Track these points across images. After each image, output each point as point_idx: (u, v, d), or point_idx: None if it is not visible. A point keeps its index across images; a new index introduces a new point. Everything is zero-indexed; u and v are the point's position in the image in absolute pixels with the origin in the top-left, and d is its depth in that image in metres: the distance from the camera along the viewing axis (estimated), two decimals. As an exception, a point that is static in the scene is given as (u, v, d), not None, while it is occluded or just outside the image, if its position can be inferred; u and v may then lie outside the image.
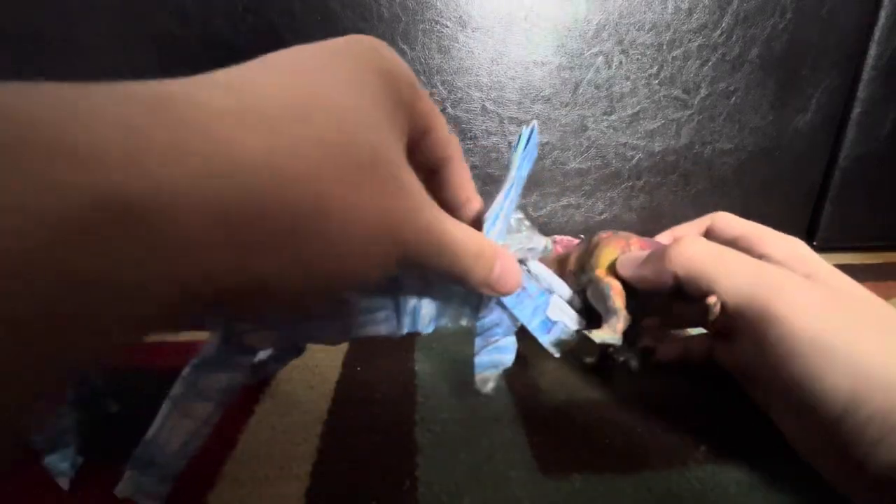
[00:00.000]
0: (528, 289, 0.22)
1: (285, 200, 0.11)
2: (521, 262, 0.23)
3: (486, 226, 0.19)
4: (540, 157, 0.46)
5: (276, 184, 0.10)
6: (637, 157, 0.48)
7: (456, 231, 0.16)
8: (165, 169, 0.09)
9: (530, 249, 0.23)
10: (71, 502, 0.18)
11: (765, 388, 0.20)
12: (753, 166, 0.49)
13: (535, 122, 0.22)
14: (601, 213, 0.49)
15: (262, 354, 0.23)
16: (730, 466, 0.19)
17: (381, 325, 0.19)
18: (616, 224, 0.50)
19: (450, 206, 0.19)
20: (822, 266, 0.21)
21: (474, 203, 0.19)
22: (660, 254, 0.21)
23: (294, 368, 0.26)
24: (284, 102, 0.11)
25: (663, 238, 0.27)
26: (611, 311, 0.22)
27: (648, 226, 0.50)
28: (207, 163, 0.09)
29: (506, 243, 0.21)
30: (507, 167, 0.21)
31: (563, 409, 0.23)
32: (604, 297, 0.23)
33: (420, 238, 0.14)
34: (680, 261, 0.20)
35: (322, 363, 0.27)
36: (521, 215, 0.23)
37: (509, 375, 0.26)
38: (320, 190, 0.11)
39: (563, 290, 0.24)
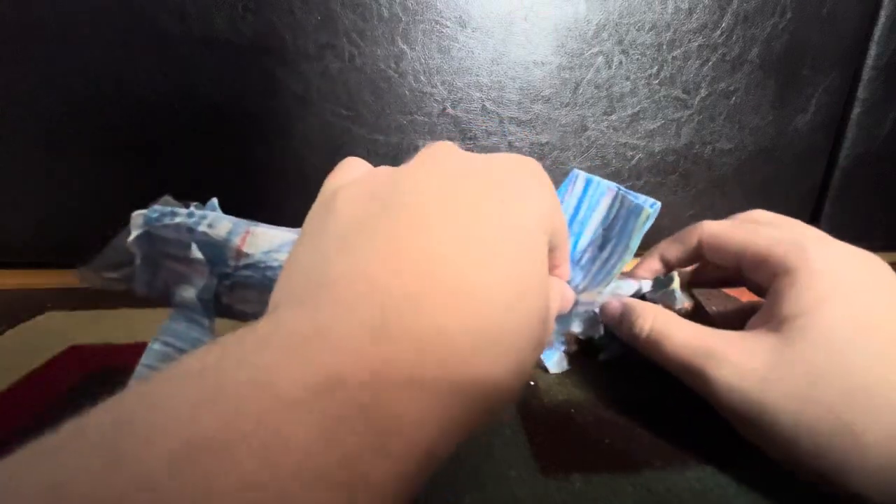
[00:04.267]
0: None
1: (495, 378, 0.12)
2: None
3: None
4: (540, 157, 0.46)
5: (502, 366, 0.12)
6: (637, 157, 0.48)
7: (553, 305, 0.20)
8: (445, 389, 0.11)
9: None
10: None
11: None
12: (753, 166, 0.49)
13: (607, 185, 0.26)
14: (601, 213, 0.49)
15: None
16: (730, 466, 0.19)
17: None
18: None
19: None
20: (825, 293, 0.18)
21: (565, 276, 0.22)
22: (629, 316, 0.23)
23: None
24: (492, 295, 0.12)
25: (651, 260, 0.27)
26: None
27: (648, 226, 0.50)
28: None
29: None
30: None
31: (563, 409, 0.23)
32: None
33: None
34: (643, 333, 0.22)
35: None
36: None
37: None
38: (520, 357, 0.13)
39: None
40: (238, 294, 0.20)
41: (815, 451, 0.16)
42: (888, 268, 0.20)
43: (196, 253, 0.19)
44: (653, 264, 0.26)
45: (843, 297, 0.18)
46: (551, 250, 0.17)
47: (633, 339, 0.23)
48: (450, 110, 0.44)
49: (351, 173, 0.17)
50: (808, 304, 0.18)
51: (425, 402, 0.10)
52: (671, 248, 0.26)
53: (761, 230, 0.22)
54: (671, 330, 0.21)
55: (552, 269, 0.20)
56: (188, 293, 0.20)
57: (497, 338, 0.12)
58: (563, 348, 0.27)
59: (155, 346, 0.19)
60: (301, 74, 0.41)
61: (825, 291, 0.18)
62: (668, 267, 0.26)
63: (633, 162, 0.48)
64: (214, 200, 0.22)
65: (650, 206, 0.23)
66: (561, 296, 0.22)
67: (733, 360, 0.18)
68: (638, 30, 0.44)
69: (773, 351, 0.18)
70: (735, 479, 0.19)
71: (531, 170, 0.17)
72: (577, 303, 0.26)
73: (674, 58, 0.45)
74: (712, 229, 0.24)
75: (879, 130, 0.49)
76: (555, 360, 0.27)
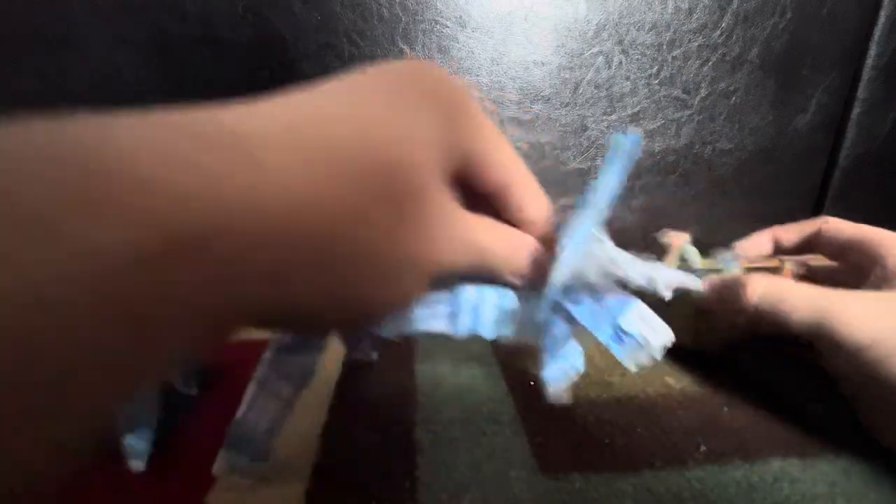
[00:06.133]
0: (604, 299, 0.19)
1: (320, 230, 0.11)
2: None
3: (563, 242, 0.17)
4: (540, 157, 0.46)
5: (313, 213, 0.11)
6: (637, 157, 0.48)
7: (484, 239, 0.16)
8: (224, 202, 0.09)
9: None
10: (144, 485, 0.19)
11: (850, 388, 0.22)
12: (753, 166, 0.49)
13: (636, 135, 0.21)
14: (601, 213, 0.49)
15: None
16: (730, 466, 0.19)
17: (438, 320, 0.18)
18: (615, 224, 0.50)
19: (516, 226, 0.18)
20: None
21: (539, 225, 0.18)
22: (735, 287, 0.23)
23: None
24: (323, 132, 0.11)
25: (762, 237, 0.28)
26: None
27: (648, 226, 0.50)
28: (254, 194, 0.10)
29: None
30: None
31: (563, 409, 0.23)
32: None
33: (452, 258, 0.15)
34: (753, 300, 0.22)
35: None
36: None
37: (509, 376, 0.26)
38: (355, 218, 0.11)
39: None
40: None
41: None
42: None
43: None
44: (764, 243, 0.28)
45: None
46: (497, 186, 0.16)
47: (738, 312, 0.23)
48: (450, 110, 0.44)
49: None
50: None
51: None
52: (787, 231, 0.28)
53: (867, 226, 0.25)
54: (786, 288, 0.21)
55: (516, 216, 0.18)
56: None
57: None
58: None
59: None
60: (301, 74, 0.41)
61: None
62: (778, 249, 0.28)
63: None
64: None
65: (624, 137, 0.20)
66: (509, 243, 0.17)
67: (858, 304, 0.20)
68: (638, 30, 0.44)
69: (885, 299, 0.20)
70: (734, 479, 0.19)
71: (420, 86, 0.14)
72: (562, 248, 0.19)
73: (674, 58, 0.45)
74: (834, 221, 0.27)
75: (879, 130, 0.49)
76: (633, 356, 0.19)
